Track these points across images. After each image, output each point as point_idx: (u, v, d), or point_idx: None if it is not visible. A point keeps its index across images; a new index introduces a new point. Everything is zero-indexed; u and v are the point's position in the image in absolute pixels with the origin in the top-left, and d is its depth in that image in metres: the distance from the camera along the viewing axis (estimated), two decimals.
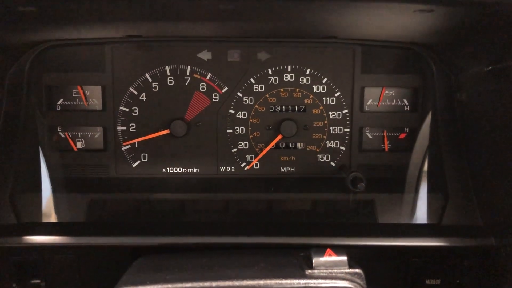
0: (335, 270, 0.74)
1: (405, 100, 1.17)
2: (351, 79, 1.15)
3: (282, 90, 1.15)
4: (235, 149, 1.18)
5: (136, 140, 1.15)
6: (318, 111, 1.17)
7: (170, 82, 1.14)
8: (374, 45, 1.13)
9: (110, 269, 1.04)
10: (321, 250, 0.76)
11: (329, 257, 0.75)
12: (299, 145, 1.18)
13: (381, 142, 1.18)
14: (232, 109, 1.16)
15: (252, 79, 1.15)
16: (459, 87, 1.06)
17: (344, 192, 1.11)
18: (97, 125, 1.15)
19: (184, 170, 1.18)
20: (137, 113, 1.15)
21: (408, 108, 1.17)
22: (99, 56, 1.12)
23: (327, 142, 1.18)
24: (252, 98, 1.16)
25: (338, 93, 1.16)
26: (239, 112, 1.16)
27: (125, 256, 0.94)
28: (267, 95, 1.16)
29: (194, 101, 1.15)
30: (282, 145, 1.18)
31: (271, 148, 1.17)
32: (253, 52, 1.14)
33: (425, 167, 1.13)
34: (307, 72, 1.15)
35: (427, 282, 1.05)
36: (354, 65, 1.14)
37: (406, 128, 1.18)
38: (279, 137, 1.16)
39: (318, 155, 1.18)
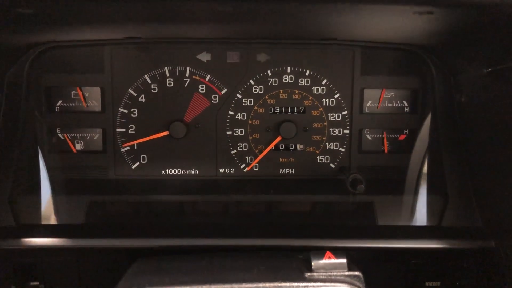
0: (335, 273, 0.74)
1: (404, 102, 1.17)
2: (351, 81, 1.15)
3: (281, 91, 1.15)
4: (235, 151, 1.17)
5: (135, 142, 1.15)
6: (318, 112, 1.16)
7: (169, 84, 1.14)
8: (373, 46, 1.13)
9: (109, 271, 1.04)
10: (320, 252, 0.76)
11: (329, 260, 0.75)
12: (298, 146, 1.18)
13: (381, 144, 1.18)
14: (231, 111, 1.16)
15: (251, 81, 1.15)
16: (459, 89, 1.06)
17: (344, 194, 1.11)
18: (96, 127, 1.15)
19: (184, 172, 1.17)
20: (136, 115, 1.14)
21: (407, 109, 1.17)
22: (98, 57, 1.12)
23: (327, 143, 1.18)
24: (252, 99, 1.15)
25: (338, 95, 1.16)
26: (239, 114, 1.16)
27: (124, 258, 0.94)
28: (266, 97, 1.15)
29: (193, 102, 1.15)
30: (282, 147, 1.18)
31: (270, 150, 1.17)
32: (253, 54, 1.14)
33: (425, 169, 1.13)
34: (307, 74, 1.15)
35: (427, 284, 1.05)
36: (353, 66, 1.14)
37: (406, 130, 1.18)
38: (279, 138, 1.15)
39: (318, 157, 1.18)
